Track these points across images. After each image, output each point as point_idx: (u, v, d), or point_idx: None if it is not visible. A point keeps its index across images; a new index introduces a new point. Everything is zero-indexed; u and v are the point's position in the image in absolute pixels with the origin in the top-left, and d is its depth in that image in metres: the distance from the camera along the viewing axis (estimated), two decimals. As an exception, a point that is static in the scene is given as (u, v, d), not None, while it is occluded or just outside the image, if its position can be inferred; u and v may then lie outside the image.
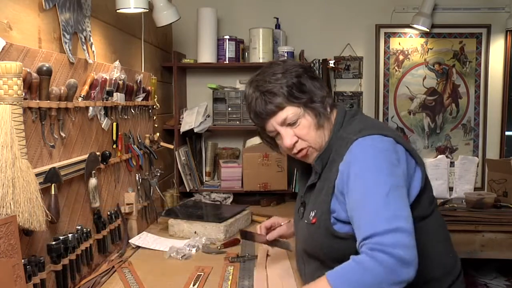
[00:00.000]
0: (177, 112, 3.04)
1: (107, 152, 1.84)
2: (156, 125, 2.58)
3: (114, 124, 1.94)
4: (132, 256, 1.93)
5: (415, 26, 3.18)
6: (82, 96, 1.67)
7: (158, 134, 2.55)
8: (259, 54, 2.99)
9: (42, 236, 1.39)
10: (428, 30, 3.20)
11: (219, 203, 2.88)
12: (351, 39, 3.29)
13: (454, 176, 3.27)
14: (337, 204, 1.24)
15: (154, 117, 2.55)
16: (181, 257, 1.88)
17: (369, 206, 1.12)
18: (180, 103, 3.13)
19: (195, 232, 2.16)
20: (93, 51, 1.81)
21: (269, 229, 1.66)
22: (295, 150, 1.34)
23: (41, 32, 1.47)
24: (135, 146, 2.19)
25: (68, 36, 1.60)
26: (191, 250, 1.94)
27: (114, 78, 1.92)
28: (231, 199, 2.96)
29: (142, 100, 2.31)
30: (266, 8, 3.26)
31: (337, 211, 1.24)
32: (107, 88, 1.85)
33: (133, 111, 2.20)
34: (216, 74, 3.28)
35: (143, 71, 2.48)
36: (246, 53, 3.15)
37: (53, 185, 1.42)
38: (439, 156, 3.28)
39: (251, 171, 2.89)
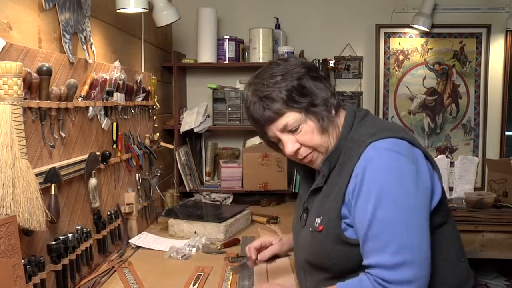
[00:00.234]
0: (177, 112, 3.04)
1: (107, 152, 1.84)
2: (156, 125, 2.58)
3: (114, 124, 1.94)
4: (132, 256, 1.93)
5: (415, 26, 3.18)
6: (82, 96, 1.67)
7: (158, 134, 2.55)
8: (259, 54, 2.99)
9: (42, 236, 1.39)
10: (428, 30, 3.20)
11: (219, 203, 2.88)
12: (351, 39, 3.29)
13: (454, 176, 3.27)
14: (347, 210, 1.16)
15: (154, 117, 2.55)
16: (181, 257, 1.88)
17: (378, 230, 1.06)
18: (180, 103, 3.13)
19: (195, 232, 2.16)
20: (93, 51, 1.81)
21: (259, 250, 1.53)
22: (299, 157, 1.26)
23: (41, 32, 1.47)
24: (135, 146, 2.19)
25: (68, 36, 1.60)
26: (191, 250, 1.94)
27: (114, 78, 1.92)
28: (231, 199, 2.96)
29: (142, 100, 2.31)
30: (266, 8, 3.25)
31: (348, 217, 1.16)
32: (107, 88, 1.85)
33: (133, 111, 2.20)
34: (216, 74, 3.28)
35: (143, 71, 2.48)
36: (246, 53, 3.15)
37: (53, 185, 1.42)
38: (439, 156, 3.28)
39: (251, 171, 2.89)
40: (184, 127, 2.94)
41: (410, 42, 3.28)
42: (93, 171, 1.72)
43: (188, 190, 2.98)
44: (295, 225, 1.39)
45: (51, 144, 1.45)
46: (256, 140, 2.95)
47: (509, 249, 2.67)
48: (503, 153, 3.29)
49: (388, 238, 1.05)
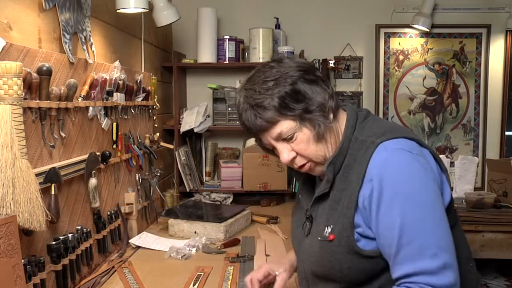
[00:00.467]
0: (177, 112, 3.04)
1: (107, 152, 1.84)
2: (156, 125, 2.58)
3: (114, 124, 1.94)
4: (132, 256, 1.93)
5: (415, 26, 3.18)
6: (82, 96, 1.67)
7: (158, 134, 2.55)
8: (259, 54, 2.99)
9: (42, 236, 1.39)
10: (428, 30, 3.20)
11: (219, 203, 2.88)
12: (351, 39, 3.29)
13: (454, 176, 3.27)
14: (361, 218, 1.09)
15: (154, 117, 2.55)
16: (181, 257, 1.88)
17: (411, 235, 1.00)
18: (180, 103, 3.13)
19: (195, 232, 2.16)
20: (93, 51, 1.81)
21: (262, 281, 1.38)
22: (295, 166, 1.20)
23: (41, 32, 1.47)
24: (135, 146, 2.19)
25: (68, 36, 1.60)
26: (191, 250, 1.94)
27: (114, 78, 1.92)
28: (231, 199, 2.96)
29: (142, 100, 2.31)
30: (266, 8, 3.26)
31: (362, 226, 1.09)
32: (107, 88, 1.85)
33: (133, 111, 2.20)
34: (216, 74, 3.28)
35: (143, 71, 2.48)
36: (246, 53, 3.15)
37: (53, 185, 1.42)
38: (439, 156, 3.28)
39: (251, 171, 2.89)
40: (184, 127, 2.94)
41: (410, 42, 3.28)
42: (93, 171, 1.72)
43: (188, 190, 2.98)
44: (296, 234, 1.32)
45: (51, 144, 1.45)
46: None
47: (509, 249, 2.66)
48: (503, 153, 3.30)
49: (423, 242, 0.99)
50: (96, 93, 1.77)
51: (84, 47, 1.73)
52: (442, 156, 3.26)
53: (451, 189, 3.25)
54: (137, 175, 2.25)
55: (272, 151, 1.23)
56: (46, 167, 1.41)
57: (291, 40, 3.24)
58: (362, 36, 3.30)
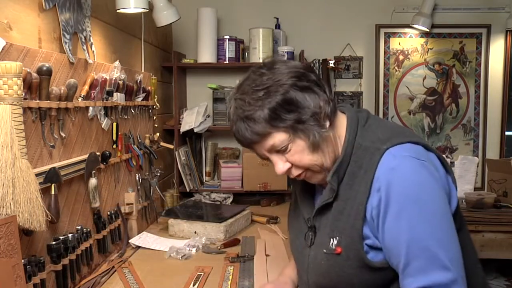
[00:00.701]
0: (177, 112, 3.04)
1: (107, 152, 1.84)
2: (156, 125, 2.58)
3: (114, 124, 1.94)
4: (132, 256, 1.93)
5: (415, 26, 3.18)
6: (82, 96, 1.66)
7: (158, 134, 2.55)
8: (259, 54, 2.99)
9: (42, 236, 1.39)
10: (428, 30, 3.20)
11: (219, 203, 2.88)
12: (351, 39, 3.29)
13: (454, 176, 3.27)
14: (369, 229, 1.05)
15: (154, 117, 2.55)
16: (181, 257, 1.88)
17: (422, 247, 0.97)
18: (180, 103, 3.13)
19: (195, 232, 2.16)
20: (93, 51, 1.81)
21: None
22: (291, 176, 1.15)
23: (41, 32, 1.47)
24: (135, 146, 2.19)
25: (68, 36, 1.60)
26: (191, 250, 1.94)
27: (114, 78, 1.91)
28: (231, 199, 2.96)
29: (142, 100, 2.31)
30: (266, 8, 3.26)
31: (371, 238, 1.05)
32: (107, 88, 1.85)
33: (133, 111, 2.20)
34: (216, 74, 3.28)
35: (143, 71, 2.48)
36: (246, 53, 3.15)
37: (53, 185, 1.42)
38: (439, 156, 3.28)
39: (251, 171, 2.89)
40: (184, 127, 2.94)
41: (410, 42, 3.28)
42: (93, 171, 1.72)
43: (188, 190, 2.98)
44: (296, 244, 1.27)
45: (51, 144, 1.45)
46: (256, 140, 2.94)
47: (509, 249, 2.67)
48: (503, 153, 3.30)
49: (433, 254, 0.96)
50: (96, 93, 1.77)
51: (84, 47, 1.73)
52: (442, 156, 3.26)
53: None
54: (137, 175, 2.25)
55: (268, 158, 1.17)
56: (46, 167, 1.41)
57: (291, 40, 3.24)
58: (362, 36, 3.30)
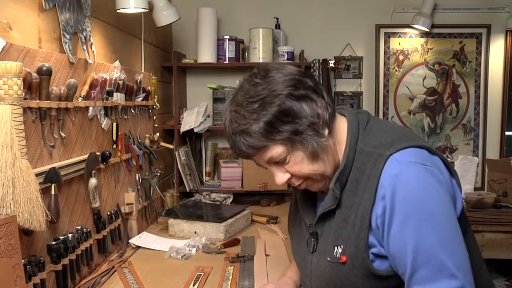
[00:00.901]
0: (177, 112, 3.04)
1: (107, 152, 1.84)
2: (156, 125, 2.58)
3: (114, 124, 1.94)
4: (132, 256, 1.93)
5: (415, 26, 3.18)
6: (82, 96, 1.66)
7: (158, 134, 2.55)
8: (259, 54, 2.99)
9: (42, 236, 1.39)
10: (428, 30, 3.20)
11: (219, 203, 2.88)
12: (351, 39, 3.29)
13: (454, 176, 3.27)
14: (374, 237, 1.03)
15: (154, 117, 2.55)
16: (181, 257, 1.88)
17: (428, 255, 0.95)
18: (180, 103, 3.13)
19: (195, 232, 2.16)
20: (93, 51, 1.81)
21: None
22: (292, 185, 1.14)
23: (41, 32, 1.47)
24: (135, 146, 2.19)
25: (68, 36, 1.60)
26: (191, 250, 1.94)
27: (114, 78, 1.92)
28: (231, 199, 2.96)
29: (142, 100, 2.31)
30: (266, 8, 3.26)
31: (376, 246, 1.03)
32: (107, 88, 1.85)
33: (133, 111, 2.20)
34: (216, 74, 3.28)
35: (143, 71, 2.48)
36: (246, 53, 3.15)
37: (53, 185, 1.42)
38: (439, 156, 3.28)
39: (251, 171, 2.88)
40: (184, 127, 2.94)
41: (410, 42, 3.28)
42: (93, 171, 1.72)
43: (188, 190, 2.98)
44: (298, 250, 1.25)
45: (51, 144, 1.45)
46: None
47: (509, 249, 2.67)
48: (503, 153, 3.30)
49: (440, 262, 0.95)
50: (96, 93, 1.77)
51: (84, 47, 1.73)
52: (442, 156, 3.26)
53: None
54: (137, 175, 2.25)
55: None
56: (46, 167, 1.41)
57: (291, 40, 3.24)
58: (362, 36, 3.30)
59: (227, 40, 3.01)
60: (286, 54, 2.98)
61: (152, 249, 2.00)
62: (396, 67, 3.30)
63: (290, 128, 1.02)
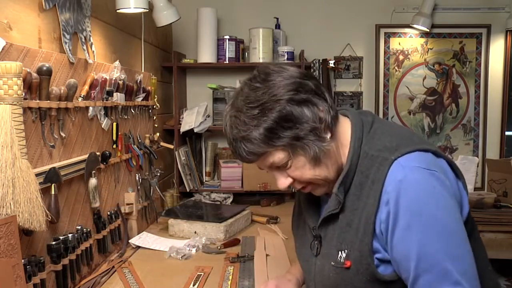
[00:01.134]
0: (177, 112, 3.04)
1: (107, 152, 1.84)
2: (156, 125, 2.58)
3: (114, 124, 1.94)
4: (132, 256, 1.93)
5: (415, 26, 3.18)
6: (82, 96, 1.67)
7: (158, 134, 2.55)
8: (259, 54, 2.99)
9: (42, 236, 1.39)
10: (428, 30, 3.20)
11: (219, 203, 2.88)
12: (351, 39, 3.29)
13: (454, 176, 3.27)
14: (378, 243, 1.02)
15: (154, 117, 2.55)
16: (181, 257, 1.88)
17: (432, 261, 0.94)
18: (180, 103, 3.13)
19: (195, 232, 2.16)
20: (93, 51, 1.81)
21: None
22: (294, 189, 1.13)
23: (41, 32, 1.47)
24: (135, 146, 2.19)
25: (68, 36, 1.60)
26: (191, 250, 1.94)
27: (114, 78, 1.92)
28: (231, 199, 2.96)
29: (142, 100, 2.31)
30: (266, 8, 3.26)
31: (381, 251, 1.02)
32: (107, 88, 1.85)
33: (133, 111, 2.20)
34: (216, 74, 3.28)
35: (143, 71, 2.48)
36: (246, 53, 3.15)
37: (53, 185, 1.42)
38: (439, 156, 3.27)
39: (251, 171, 2.88)
40: (184, 127, 2.94)
41: (410, 42, 3.28)
42: (93, 171, 1.72)
43: (188, 190, 2.98)
44: (302, 252, 1.24)
45: (51, 144, 1.45)
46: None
47: (509, 249, 2.67)
48: (503, 153, 3.30)
49: (444, 268, 0.94)
50: (96, 93, 1.77)
51: (84, 47, 1.73)
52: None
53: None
54: (137, 175, 2.25)
55: None
56: (46, 167, 1.41)
57: (291, 40, 3.24)
58: (362, 36, 3.30)
59: (227, 40, 3.01)
60: (286, 54, 2.98)
61: (152, 249, 2.00)
62: (396, 67, 3.30)
63: (291, 133, 1.00)
